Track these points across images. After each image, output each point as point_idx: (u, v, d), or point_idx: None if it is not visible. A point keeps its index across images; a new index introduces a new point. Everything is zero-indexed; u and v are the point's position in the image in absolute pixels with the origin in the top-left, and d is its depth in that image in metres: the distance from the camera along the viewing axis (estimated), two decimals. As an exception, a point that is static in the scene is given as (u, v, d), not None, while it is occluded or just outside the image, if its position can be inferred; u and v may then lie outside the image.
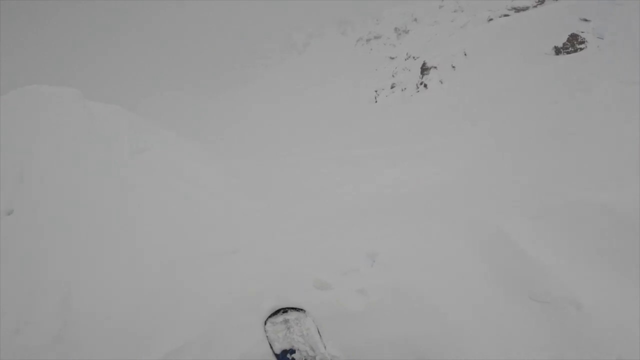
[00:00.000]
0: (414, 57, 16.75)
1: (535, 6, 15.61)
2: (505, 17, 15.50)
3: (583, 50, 9.81)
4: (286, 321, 1.90)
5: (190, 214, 2.41)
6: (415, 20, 28.37)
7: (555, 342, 1.63)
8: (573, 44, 10.86)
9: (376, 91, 17.89)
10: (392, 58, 18.15)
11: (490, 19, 16.94)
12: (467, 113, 7.61)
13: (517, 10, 16.35)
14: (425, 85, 13.98)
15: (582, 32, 10.44)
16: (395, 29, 28.30)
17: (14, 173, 2.49)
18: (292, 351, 1.82)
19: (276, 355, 1.83)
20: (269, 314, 1.93)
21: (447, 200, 2.88)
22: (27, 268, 2.04)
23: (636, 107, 3.50)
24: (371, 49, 17.18)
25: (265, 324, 1.91)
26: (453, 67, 13.14)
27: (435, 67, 14.23)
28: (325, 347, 1.81)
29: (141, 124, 3.26)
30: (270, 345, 1.84)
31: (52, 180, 2.41)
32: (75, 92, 3.59)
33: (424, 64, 14.89)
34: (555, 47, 10.80)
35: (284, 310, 1.95)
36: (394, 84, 16.58)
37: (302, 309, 1.94)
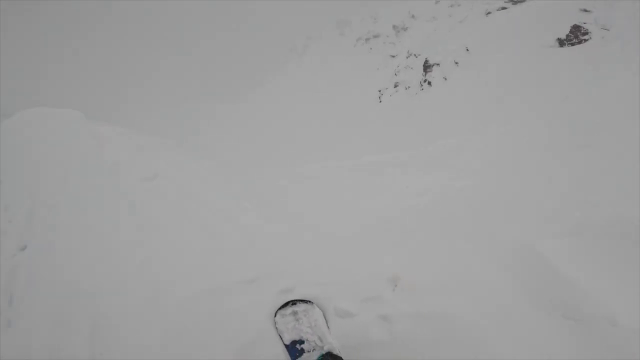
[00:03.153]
0: (415, 55, 16.55)
1: (532, -3, 15.40)
2: (504, 10, 15.31)
3: (587, 42, 9.62)
4: (295, 313, 1.91)
5: (206, 241, 2.33)
6: (413, 17, 28.16)
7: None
8: (577, 35, 10.65)
9: (380, 91, 17.72)
10: (393, 56, 17.95)
11: (489, 12, 16.76)
12: (476, 111, 7.49)
13: (515, 2, 16.16)
14: (429, 83, 13.82)
15: (585, 23, 10.24)
16: (394, 26, 28.09)
17: (24, 207, 2.43)
18: (301, 342, 1.84)
19: (286, 346, 1.84)
20: (279, 307, 1.94)
21: (470, 212, 2.76)
22: (53, 302, 1.97)
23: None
24: (371, 48, 17.10)
25: (275, 315, 1.92)
26: (456, 63, 12.99)
27: (437, 64, 14.07)
28: (332, 337, 1.83)
29: (150, 147, 3.16)
30: (280, 336, 1.85)
31: (62, 213, 2.33)
32: (77, 114, 3.50)
33: (426, 61, 14.73)
34: (559, 39, 10.59)
35: (293, 302, 1.97)
36: (397, 82, 16.41)
37: (310, 301, 1.97)
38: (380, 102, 16.05)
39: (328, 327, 1.90)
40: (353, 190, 4.09)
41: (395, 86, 16.01)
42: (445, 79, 12.81)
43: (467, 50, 12.85)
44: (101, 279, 2.04)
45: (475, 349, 1.71)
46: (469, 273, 2.09)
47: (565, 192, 2.69)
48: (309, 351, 1.81)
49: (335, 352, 1.80)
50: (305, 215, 3.17)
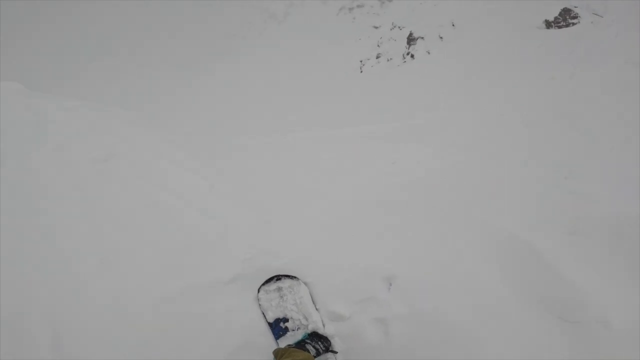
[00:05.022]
0: (399, 27, 16.02)
1: (523, -25, 15.05)
2: (492, -14, 14.99)
3: (576, 26, 9.53)
4: (279, 289, 1.86)
5: (173, 235, 2.03)
6: (399, -13, 27.03)
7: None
8: (565, 18, 10.54)
9: (361, 61, 17.17)
10: (376, 27, 17.35)
11: (477, -13, 16.32)
12: (459, 87, 7.30)
13: (503, -21, 15.77)
14: (412, 56, 13.48)
15: (575, 7, 10.10)
16: (379, -5, 26.94)
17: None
18: (286, 320, 1.79)
19: (269, 324, 1.79)
20: (262, 282, 1.87)
21: (459, 196, 2.62)
22: (10, 313, 1.65)
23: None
24: (354, 18, 16.40)
25: (258, 292, 1.85)
26: (441, 37, 12.66)
27: (422, 38, 13.70)
28: (320, 316, 1.79)
29: (105, 124, 2.67)
30: (263, 314, 1.80)
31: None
32: (14, 86, 2.87)
33: (410, 34, 14.30)
34: (546, 21, 10.45)
35: (278, 277, 1.89)
36: (379, 54, 15.88)
37: (295, 277, 1.89)
38: (362, 72, 15.59)
39: (314, 305, 1.83)
40: (335, 165, 3.85)
41: (378, 57, 15.51)
42: (429, 52, 12.48)
43: (453, 25, 12.50)
44: (54, 286, 1.74)
45: (468, 349, 1.68)
46: (461, 268, 2.02)
47: (556, 179, 2.60)
48: (293, 330, 1.76)
49: (321, 331, 1.73)
50: (284, 196, 2.92)
